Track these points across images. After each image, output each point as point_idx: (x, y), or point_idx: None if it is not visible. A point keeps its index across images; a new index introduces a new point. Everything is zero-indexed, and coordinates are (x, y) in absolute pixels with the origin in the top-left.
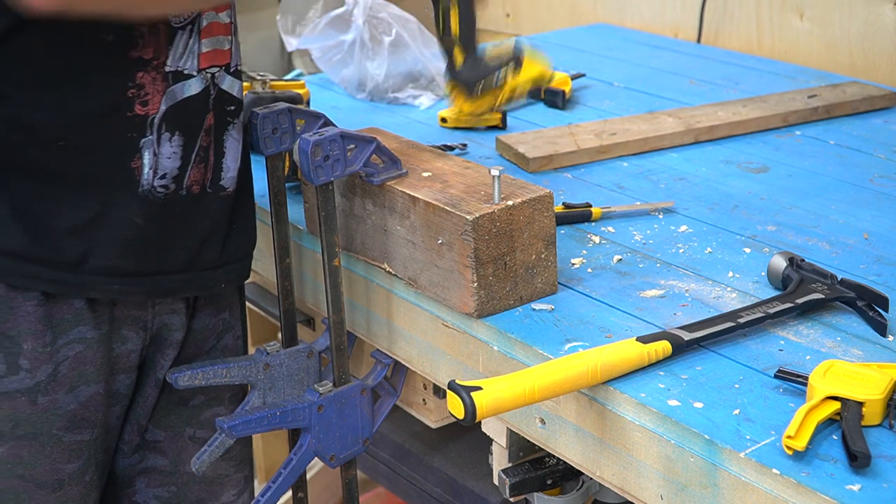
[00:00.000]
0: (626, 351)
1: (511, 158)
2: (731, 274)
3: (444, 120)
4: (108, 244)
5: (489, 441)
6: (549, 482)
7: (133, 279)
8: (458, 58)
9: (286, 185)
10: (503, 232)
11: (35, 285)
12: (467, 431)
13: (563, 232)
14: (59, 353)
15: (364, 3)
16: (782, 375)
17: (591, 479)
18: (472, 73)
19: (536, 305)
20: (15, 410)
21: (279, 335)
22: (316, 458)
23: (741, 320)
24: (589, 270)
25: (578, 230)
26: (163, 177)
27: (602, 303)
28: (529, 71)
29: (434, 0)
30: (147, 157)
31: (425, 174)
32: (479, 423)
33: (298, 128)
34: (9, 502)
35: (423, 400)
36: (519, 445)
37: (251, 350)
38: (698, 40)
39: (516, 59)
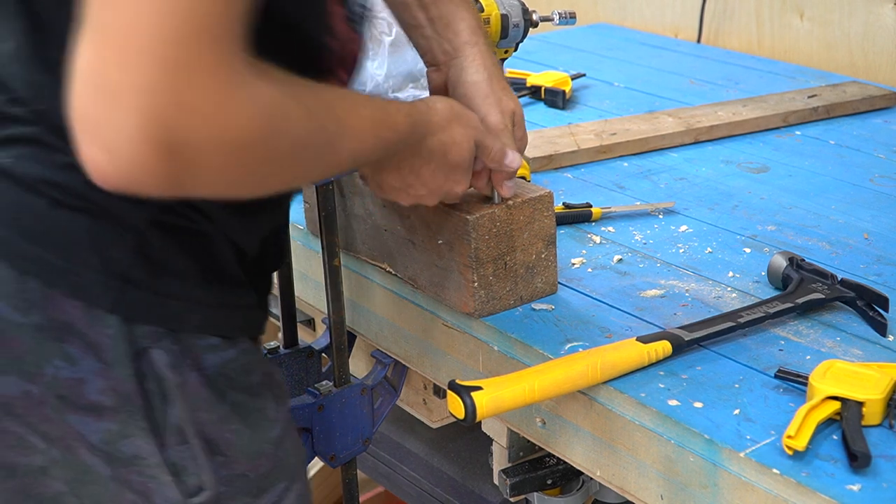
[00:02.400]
0: (627, 351)
1: None
2: (731, 274)
3: None
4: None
5: (489, 441)
6: (549, 482)
7: None
8: None
9: None
10: (503, 232)
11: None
12: (467, 431)
13: (563, 232)
14: None
15: None
16: (782, 375)
17: (591, 479)
18: None
19: (536, 305)
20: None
21: (279, 335)
22: (316, 458)
23: (741, 320)
24: (589, 270)
25: (579, 230)
26: None
27: (602, 302)
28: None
29: None
30: None
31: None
32: (480, 423)
33: None
34: None
35: (424, 400)
36: (519, 445)
37: None
38: (698, 40)
39: None
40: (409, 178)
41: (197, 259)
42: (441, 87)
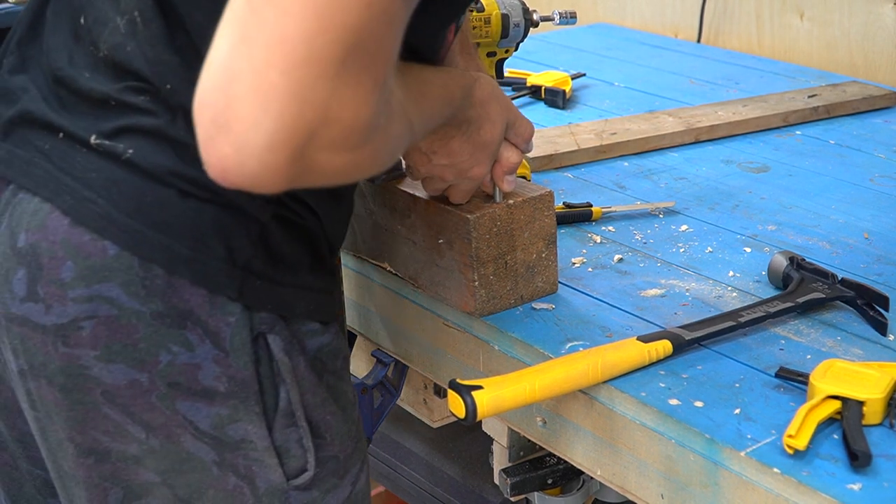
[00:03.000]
0: (627, 350)
1: None
2: (731, 273)
3: None
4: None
5: (489, 441)
6: (549, 482)
7: None
8: None
9: None
10: (504, 231)
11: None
12: (468, 431)
13: (563, 231)
14: None
15: None
16: (783, 375)
17: (591, 478)
18: None
19: (537, 305)
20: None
21: None
22: None
23: (742, 319)
24: (589, 270)
25: (579, 229)
26: None
27: (602, 302)
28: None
29: None
30: None
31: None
32: (480, 422)
33: None
34: None
35: (424, 400)
36: (519, 445)
37: None
38: (698, 40)
39: None
40: (436, 144)
41: (306, 250)
42: None
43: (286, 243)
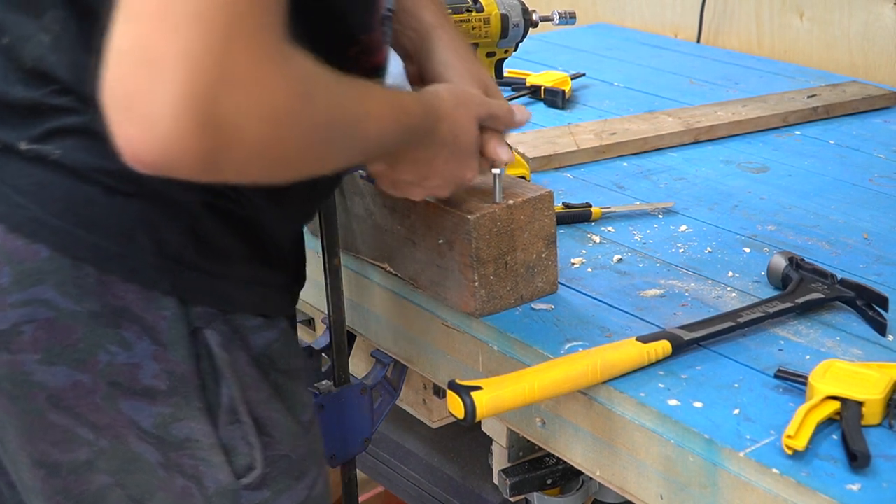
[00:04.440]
0: (626, 350)
1: None
2: (730, 273)
3: None
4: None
5: (489, 441)
6: (548, 482)
7: None
8: None
9: None
10: (504, 231)
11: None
12: (467, 431)
13: (563, 232)
14: None
15: None
16: (782, 375)
17: (590, 478)
18: None
19: (536, 305)
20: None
21: None
22: None
23: (741, 320)
24: (589, 270)
25: (578, 230)
26: None
27: (602, 302)
28: (513, 169)
29: None
30: None
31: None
32: (479, 422)
33: None
34: None
35: (423, 400)
36: (519, 445)
37: None
38: (698, 40)
39: None
40: (423, 169)
41: (244, 241)
42: (417, 77)
43: (222, 234)
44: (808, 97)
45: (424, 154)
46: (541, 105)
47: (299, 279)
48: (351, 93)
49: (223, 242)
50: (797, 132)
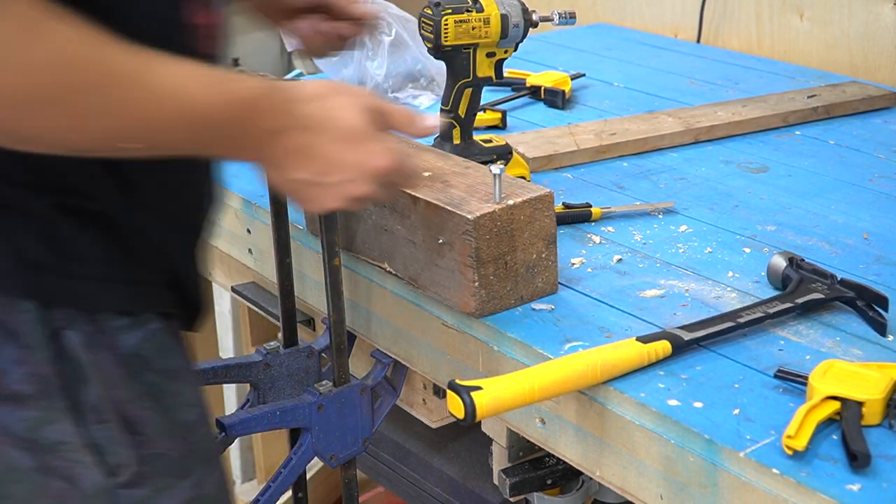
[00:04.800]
0: (626, 351)
1: None
2: (730, 274)
3: None
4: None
5: (489, 441)
6: (548, 482)
7: None
8: (456, 136)
9: None
10: (504, 231)
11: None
12: (467, 431)
13: (563, 232)
14: None
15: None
16: (782, 375)
17: (590, 478)
18: (463, 153)
19: (536, 305)
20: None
21: (279, 335)
22: (316, 458)
23: (741, 320)
24: (589, 270)
25: (578, 230)
26: None
27: (602, 302)
28: (513, 169)
29: (452, 77)
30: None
31: (426, 174)
32: (479, 423)
33: None
34: None
35: (423, 400)
36: (519, 445)
37: (251, 350)
38: (698, 40)
39: (505, 156)
40: (316, 163)
41: (101, 239)
42: None
43: (77, 234)
44: (808, 97)
45: (303, 145)
46: (541, 105)
47: (177, 276)
48: (123, 61)
49: (79, 242)
50: (797, 132)
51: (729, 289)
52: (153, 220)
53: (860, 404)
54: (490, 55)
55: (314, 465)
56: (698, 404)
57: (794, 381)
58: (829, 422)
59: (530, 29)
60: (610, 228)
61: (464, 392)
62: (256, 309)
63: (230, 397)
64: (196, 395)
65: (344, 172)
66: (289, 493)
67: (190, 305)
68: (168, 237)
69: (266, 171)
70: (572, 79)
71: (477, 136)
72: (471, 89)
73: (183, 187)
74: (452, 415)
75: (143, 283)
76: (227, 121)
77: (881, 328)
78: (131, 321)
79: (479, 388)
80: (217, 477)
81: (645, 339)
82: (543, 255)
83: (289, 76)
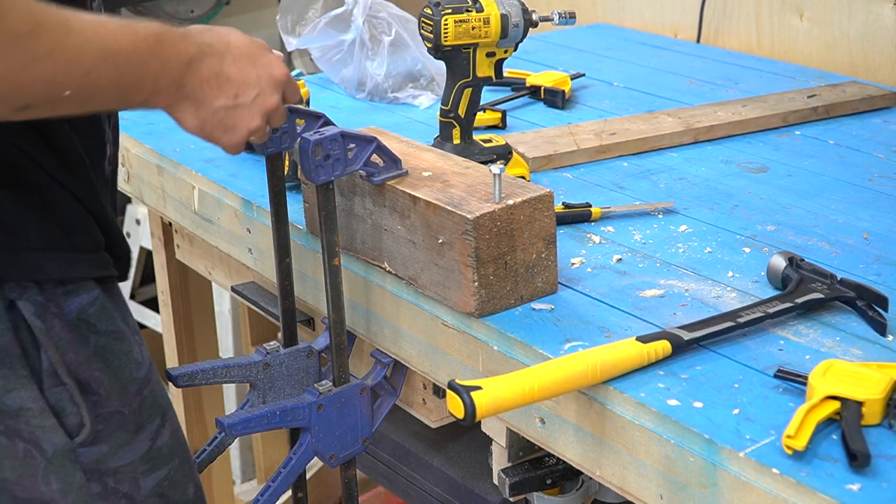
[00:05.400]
0: (626, 350)
1: None
2: (730, 274)
3: None
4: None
5: (489, 441)
6: (548, 482)
7: None
8: (456, 136)
9: (286, 184)
10: (504, 231)
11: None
12: (467, 431)
13: (562, 232)
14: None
15: (364, 3)
16: (782, 375)
17: (590, 478)
18: (463, 153)
19: (536, 305)
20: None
21: (279, 335)
22: (315, 458)
23: (741, 320)
24: (589, 270)
25: (578, 230)
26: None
27: (602, 302)
28: (513, 169)
29: (452, 77)
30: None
31: (426, 174)
32: (479, 422)
33: (298, 127)
34: None
35: (423, 399)
36: (519, 445)
37: (251, 350)
38: (698, 40)
39: (505, 156)
40: (230, 85)
41: (43, 210)
42: None
43: (14, 209)
44: (808, 97)
45: (209, 67)
46: (540, 105)
47: (110, 239)
48: (51, 11)
49: (17, 216)
50: (797, 132)
51: (729, 289)
52: (82, 184)
53: (860, 404)
54: (490, 55)
55: (314, 465)
56: (698, 404)
57: (793, 381)
58: (829, 422)
59: (530, 29)
60: (610, 228)
61: (464, 392)
62: (256, 309)
63: (230, 397)
64: (141, 352)
65: (254, 87)
66: (289, 493)
67: (122, 256)
68: (93, 198)
69: (187, 112)
70: (572, 79)
71: (477, 136)
72: (471, 89)
73: (99, 148)
74: (452, 415)
75: (81, 250)
76: (142, 55)
77: (881, 328)
78: (75, 287)
79: (478, 388)
80: (171, 426)
81: (645, 339)
82: (543, 255)
83: None
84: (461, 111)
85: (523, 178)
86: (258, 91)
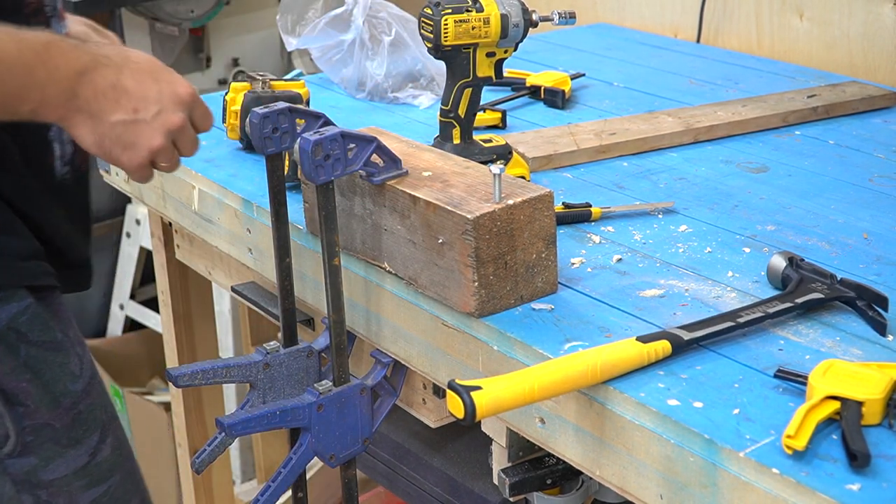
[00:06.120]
0: (626, 350)
1: None
2: (730, 273)
3: None
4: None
5: (489, 441)
6: (548, 482)
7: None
8: (455, 136)
9: (286, 184)
10: (504, 231)
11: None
12: (467, 431)
13: (562, 231)
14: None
15: (364, 3)
16: (782, 375)
17: (590, 478)
18: (463, 153)
19: (536, 305)
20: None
21: (279, 335)
22: (315, 458)
23: (741, 320)
24: (589, 270)
25: (578, 230)
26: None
27: (602, 302)
28: (513, 169)
29: (452, 77)
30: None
31: (426, 174)
32: (479, 422)
33: (298, 127)
34: None
35: (423, 399)
36: (519, 445)
37: (251, 350)
38: (698, 40)
39: (505, 156)
40: (128, 99)
41: None
42: None
43: None
44: (808, 97)
45: (104, 78)
46: (540, 105)
47: (53, 246)
48: None
49: None
50: (797, 132)
51: (729, 289)
52: (12, 185)
53: (860, 404)
54: (490, 55)
55: (314, 465)
56: (698, 404)
57: (793, 381)
58: (828, 421)
59: (530, 29)
60: (610, 228)
61: (464, 392)
62: (256, 309)
63: (230, 397)
64: (81, 364)
65: (155, 103)
66: (289, 493)
67: (73, 266)
68: (27, 200)
69: (84, 126)
70: (572, 79)
71: (477, 136)
72: (471, 89)
73: (39, 145)
74: (452, 415)
75: (11, 257)
76: (27, 62)
77: (881, 328)
78: (5, 295)
79: (478, 387)
80: (114, 442)
81: (645, 339)
82: (543, 255)
83: (289, 76)
84: (461, 111)
85: (523, 178)
86: (159, 108)
